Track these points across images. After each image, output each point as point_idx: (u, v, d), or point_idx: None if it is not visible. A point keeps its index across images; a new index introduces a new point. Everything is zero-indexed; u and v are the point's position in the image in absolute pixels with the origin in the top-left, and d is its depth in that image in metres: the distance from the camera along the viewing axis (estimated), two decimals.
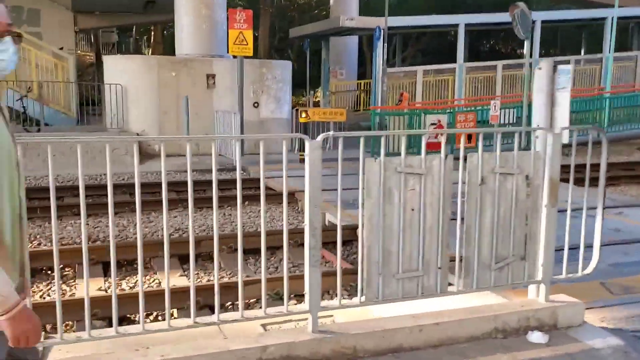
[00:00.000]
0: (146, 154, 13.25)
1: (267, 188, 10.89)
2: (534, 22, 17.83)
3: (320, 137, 3.31)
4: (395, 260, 3.50)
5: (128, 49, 37.06)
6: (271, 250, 6.78)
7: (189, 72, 13.68)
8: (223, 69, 13.99)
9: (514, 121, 15.83)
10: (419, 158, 3.49)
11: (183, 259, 6.38)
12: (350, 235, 6.99)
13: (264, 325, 3.85)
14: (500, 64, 20.38)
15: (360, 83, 22.67)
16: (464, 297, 3.91)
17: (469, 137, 14.46)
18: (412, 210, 3.51)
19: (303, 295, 5.15)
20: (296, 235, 6.81)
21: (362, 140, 3.43)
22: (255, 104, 14.24)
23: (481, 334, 3.67)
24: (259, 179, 10.90)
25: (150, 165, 12.23)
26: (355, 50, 24.59)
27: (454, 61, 20.22)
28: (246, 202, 9.10)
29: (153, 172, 12.04)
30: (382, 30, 17.37)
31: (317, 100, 24.77)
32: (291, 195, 9.34)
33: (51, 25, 18.52)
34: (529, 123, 15.25)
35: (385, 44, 17.56)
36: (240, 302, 3.28)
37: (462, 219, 3.65)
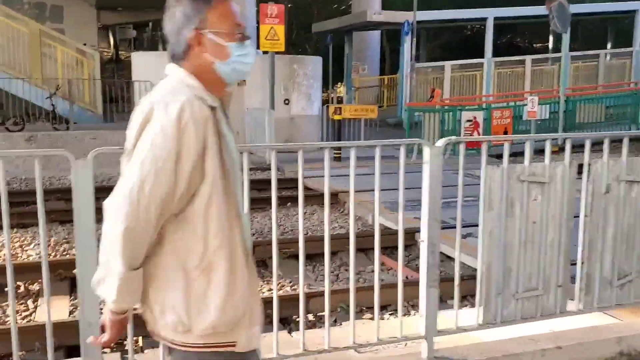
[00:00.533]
0: None
1: (306, 188, 10.59)
2: None
3: (441, 142, 2.98)
4: (514, 279, 3.17)
5: (144, 45, 36.82)
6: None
7: None
8: (253, 65, 13.64)
9: (548, 117, 15.45)
10: (542, 165, 3.15)
11: None
12: (408, 239, 6.67)
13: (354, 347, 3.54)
14: (529, 58, 19.96)
15: (384, 78, 22.29)
16: (574, 316, 3.58)
17: (506, 134, 14.09)
18: (534, 222, 3.18)
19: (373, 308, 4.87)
20: (342, 241, 6.48)
21: (484, 147, 3.09)
22: (286, 101, 13.92)
23: (605, 358, 3.34)
24: (294, 179, 10.55)
25: None
26: (377, 45, 24.20)
27: (473, 56, 19.84)
28: (288, 204, 8.80)
29: None
30: (410, 25, 17.01)
31: (339, 95, 24.42)
32: (334, 196, 9.02)
33: (74, 22, 18.27)
34: (565, 119, 14.92)
35: (414, 39, 17.21)
36: (351, 326, 2.97)
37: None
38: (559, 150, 11.59)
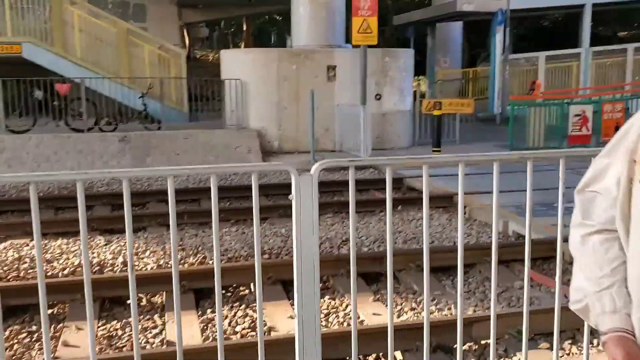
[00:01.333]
0: (265, 151, 12.62)
1: (410, 189, 9.93)
2: None
3: None
4: None
5: (214, 44, 37.04)
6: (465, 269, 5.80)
7: (309, 65, 12.90)
8: (344, 60, 13.13)
9: None
10: None
11: (369, 278, 5.50)
12: (548, 250, 5.92)
13: None
14: (631, 47, 18.54)
15: (468, 71, 21.33)
16: None
17: (617, 130, 13.00)
18: None
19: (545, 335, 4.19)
20: (479, 252, 5.80)
21: None
22: (377, 96, 13.30)
23: None
24: (400, 179, 9.65)
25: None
26: (459, 38, 23.25)
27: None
28: (399, 207, 8.17)
29: (276, 171, 11.32)
30: (505, 14, 16.06)
31: (421, 90, 23.64)
32: (449, 199, 8.34)
33: (156, 20, 18.29)
34: None
35: (508, 29, 16.26)
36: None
37: None
38: None
